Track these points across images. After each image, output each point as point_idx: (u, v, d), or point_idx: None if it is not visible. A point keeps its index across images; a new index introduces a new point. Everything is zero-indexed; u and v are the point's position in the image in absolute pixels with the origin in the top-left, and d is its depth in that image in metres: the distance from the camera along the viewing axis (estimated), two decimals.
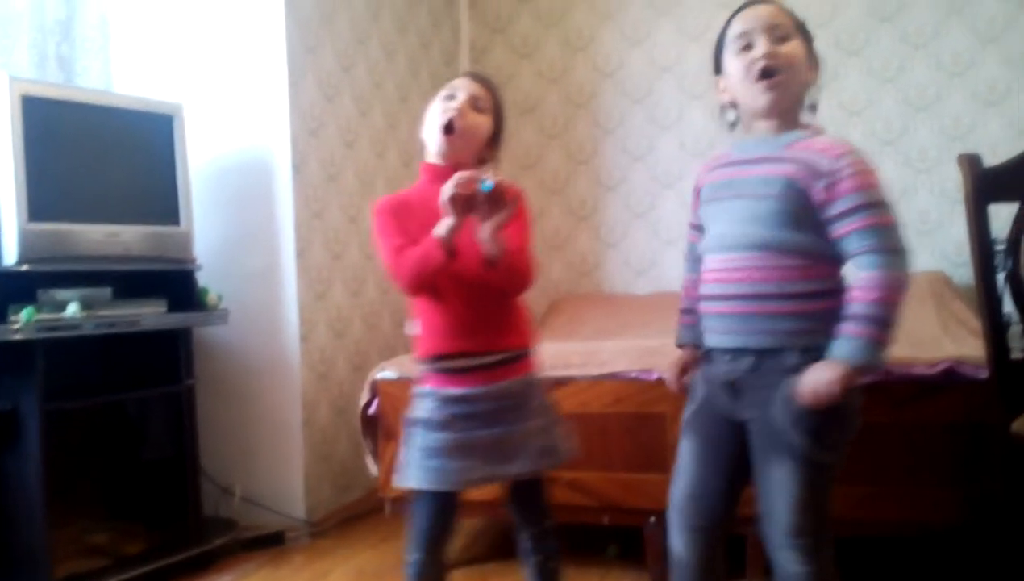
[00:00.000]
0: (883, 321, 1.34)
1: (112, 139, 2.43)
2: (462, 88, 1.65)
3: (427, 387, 1.63)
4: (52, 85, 2.49)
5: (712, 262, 1.49)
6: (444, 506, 1.62)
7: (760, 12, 1.46)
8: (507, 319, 1.64)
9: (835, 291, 1.40)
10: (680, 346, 1.64)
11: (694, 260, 1.59)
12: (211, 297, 2.59)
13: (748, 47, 1.44)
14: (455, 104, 1.62)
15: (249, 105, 2.84)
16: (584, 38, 3.82)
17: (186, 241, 2.56)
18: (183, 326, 2.56)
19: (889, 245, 1.37)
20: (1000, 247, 1.84)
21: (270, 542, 2.70)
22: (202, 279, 2.61)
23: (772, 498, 1.42)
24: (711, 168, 1.55)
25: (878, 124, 3.44)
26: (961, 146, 3.10)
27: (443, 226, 1.49)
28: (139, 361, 2.56)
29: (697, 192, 1.58)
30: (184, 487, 2.58)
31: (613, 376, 2.24)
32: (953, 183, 3.28)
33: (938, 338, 2.51)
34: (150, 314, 2.43)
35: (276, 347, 2.85)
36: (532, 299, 4.28)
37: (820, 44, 3.70)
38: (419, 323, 1.65)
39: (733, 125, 1.54)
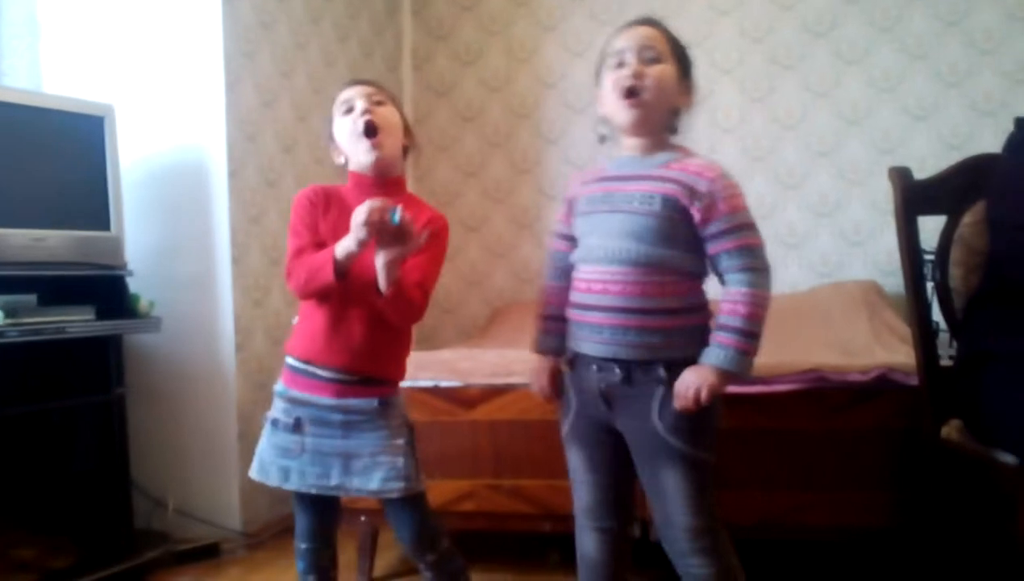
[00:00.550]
0: (752, 334, 1.43)
1: (39, 140, 2.34)
2: (356, 96, 1.65)
3: (281, 385, 1.67)
4: None
5: (586, 273, 1.52)
6: (303, 503, 1.68)
7: (638, 32, 1.51)
8: (384, 347, 1.63)
9: (700, 307, 1.50)
10: (541, 353, 1.67)
11: (558, 268, 1.64)
12: (142, 304, 2.52)
13: (620, 64, 1.49)
14: (360, 109, 1.62)
15: (184, 108, 2.78)
16: (527, 49, 3.84)
17: (116, 246, 2.48)
18: (112, 333, 2.48)
19: (759, 265, 1.46)
20: (929, 258, 1.90)
21: (205, 554, 2.63)
22: (133, 285, 2.53)
23: (666, 504, 1.47)
24: (586, 181, 1.59)
25: (812, 138, 3.53)
26: (891, 160, 3.19)
27: (342, 248, 1.48)
28: (67, 369, 2.47)
29: (569, 203, 1.61)
30: (114, 499, 2.50)
31: None
32: (884, 195, 3.37)
33: (870, 346, 2.57)
34: (77, 321, 2.34)
35: (211, 356, 2.78)
36: (475, 307, 4.27)
37: (756, 59, 3.79)
38: (299, 318, 1.67)
39: (603, 139, 1.59)
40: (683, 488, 1.45)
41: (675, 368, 1.45)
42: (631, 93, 1.47)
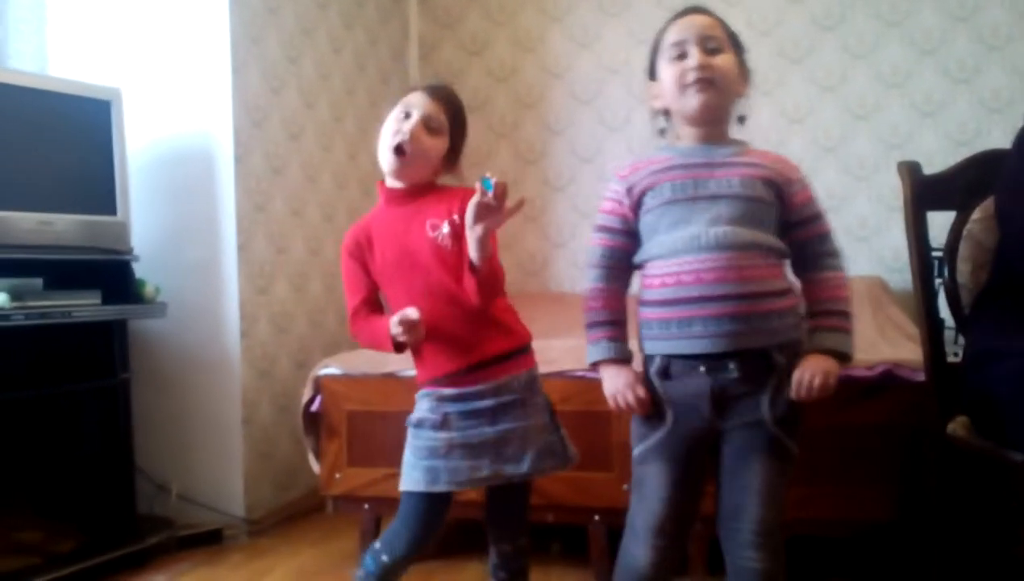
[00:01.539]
0: (851, 315, 1.46)
1: (46, 124, 2.34)
2: (417, 106, 1.60)
3: (425, 388, 1.61)
4: None
5: (689, 263, 1.40)
6: (434, 508, 1.57)
7: (695, 22, 1.48)
8: (489, 326, 1.58)
9: (791, 288, 1.47)
10: (620, 362, 1.51)
11: (614, 268, 1.52)
12: (148, 289, 2.52)
13: (682, 56, 1.46)
14: (408, 126, 1.57)
15: (190, 93, 2.77)
16: (533, 38, 3.82)
17: (122, 231, 2.48)
18: (118, 318, 2.49)
19: (839, 249, 1.50)
20: (936, 254, 1.89)
21: (207, 540, 2.64)
22: (139, 271, 2.53)
23: (745, 495, 1.43)
24: (654, 170, 1.48)
25: (819, 132, 3.52)
26: (899, 155, 3.18)
27: (395, 331, 1.50)
28: (72, 353, 2.47)
29: (635, 194, 1.48)
30: (118, 484, 2.51)
31: (560, 375, 2.24)
32: (890, 190, 3.38)
33: (875, 341, 2.57)
34: (83, 305, 2.35)
35: (216, 342, 2.78)
36: None
37: (764, 52, 3.78)
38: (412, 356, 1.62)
39: (662, 132, 1.56)
40: (769, 479, 1.42)
41: (788, 352, 1.42)
42: (702, 84, 1.43)
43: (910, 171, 1.84)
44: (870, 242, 3.47)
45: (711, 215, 1.42)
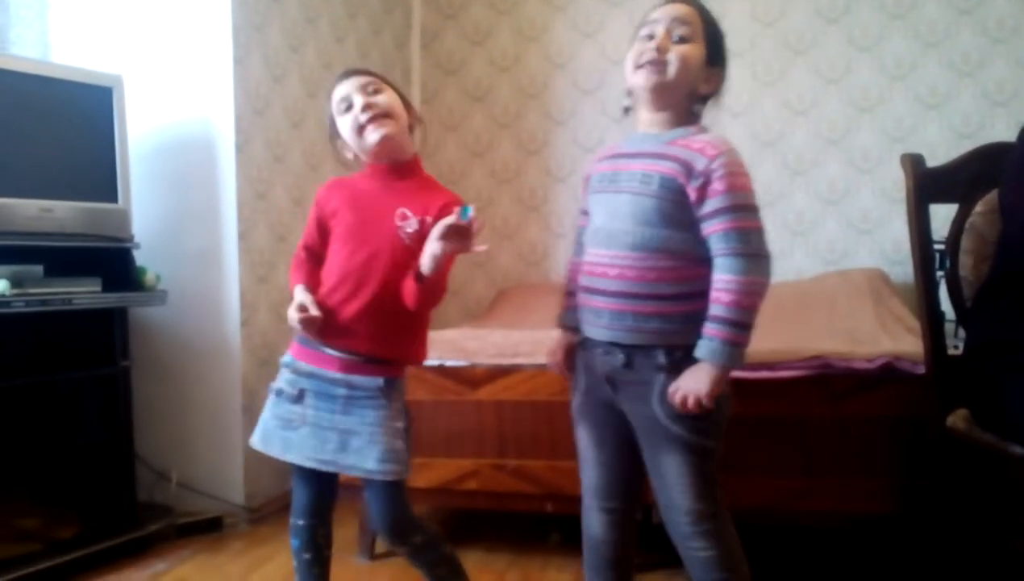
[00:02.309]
0: (738, 323, 1.38)
1: (48, 111, 2.33)
2: (352, 91, 1.63)
3: (288, 356, 1.67)
4: None
5: (591, 255, 1.51)
6: (302, 475, 1.66)
7: (673, 9, 1.48)
8: (398, 332, 1.62)
9: (703, 293, 1.42)
10: (562, 328, 1.65)
11: (580, 244, 1.62)
12: (149, 277, 2.52)
13: (650, 36, 1.47)
14: (359, 107, 1.61)
15: (192, 80, 2.76)
16: (536, 28, 3.81)
17: (123, 218, 2.48)
18: (119, 306, 2.48)
19: (749, 249, 1.39)
20: (938, 247, 1.89)
21: (208, 528, 2.65)
22: (140, 258, 2.52)
23: (669, 489, 1.47)
24: (601, 157, 1.58)
25: (823, 124, 3.51)
26: (902, 147, 3.18)
27: (292, 315, 1.59)
28: (72, 341, 2.47)
29: (586, 180, 1.60)
30: (118, 472, 2.51)
31: None
32: (893, 183, 3.37)
33: (876, 334, 2.57)
34: (84, 293, 2.34)
35: (216, 330, 2.78)
36: (480, 288, 4.27)
37: (768, 43, 3.76)
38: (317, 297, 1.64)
39: (626, 111, 1.57)
40: (685, 473, 1.45)
41: (675, 354, 1.43)
42: (654, 65, 1.44)
43: (913, 163, 1.83)
44: (872, 234, 3.47)
45: (610, 209, 1.48)
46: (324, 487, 1.69)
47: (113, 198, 2.44)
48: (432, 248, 1.50)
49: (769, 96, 3.55)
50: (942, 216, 1.85)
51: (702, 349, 1.40)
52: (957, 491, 1.76)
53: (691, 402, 1.40)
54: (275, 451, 1.63)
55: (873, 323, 2.73)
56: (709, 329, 1.39)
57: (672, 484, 1.46)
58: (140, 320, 2.74)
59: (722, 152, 1.40)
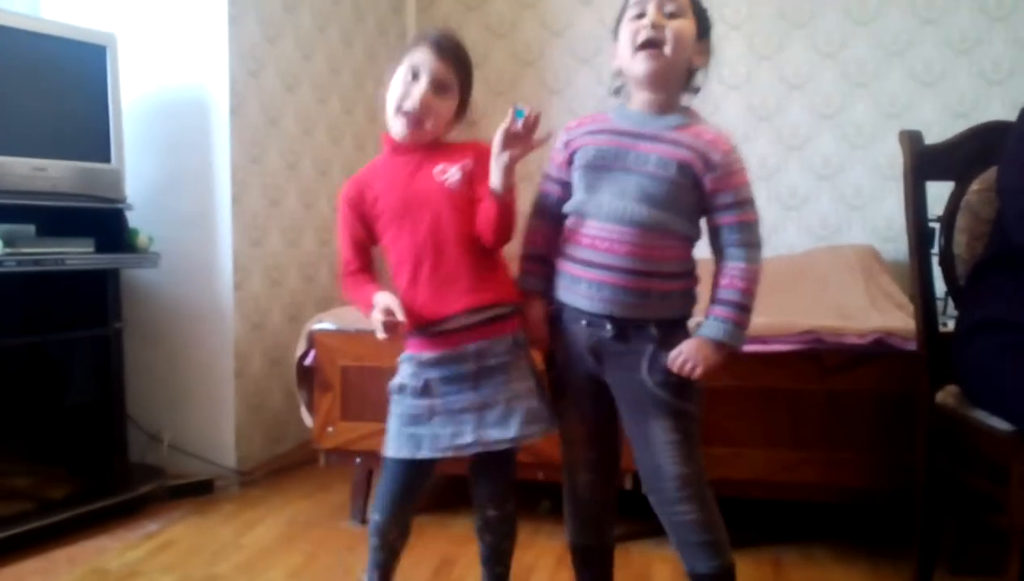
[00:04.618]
0: (748, 308, 1.47)
1: (40, 68, 2.30)
2: (425, 67, 1.55)
3: (407, 352, 1.59)
4: None
5: (592, 229, 1.48)
6: (414, 472, 1.58)
7: None
8: (491, 272, 1.56)
9: (692, 271, 1.51)
10: (527, 292, 1.59)
11: (547, 210, 1.59)
12: (141, 239, 2.50)
13: (641, 16, 1.46)
14: (418, 93, 1.54)
15: (186, 40, 2.73)
16: None
17: (116, 179, 2.46)
18: (111, 267, 2.48)
19: (756, 241, 1.48)
20: (932, 224, 1.90)
21: (198, 490, 2.66)
22: (132, 220, 2.51)
23: (655, 454, 1.49)
24: (590, 130, 1.54)
25: (818, 98, 3.50)
26: (897, 124, 3.17)
27: (376, 318, 1.47)
28: (65, 302, 2.46)
29: (570, 150, 1.55)
30: (110, 432, 2.52)
31: None
32: (887, 160, 3.38)
33: (866, 310, 2.59)
34: (77, 253, 2.33)
35: (208, 294, 2.77)
36: None
37: (764, 15, 3.73)
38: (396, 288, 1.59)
39: (617, 91, 1.57)
40: (671, 438, 1.47)
41: (665, 326, 1.47)
42: (650, 44, 1.44)
43: (911, 140, 1.84)
44: (864, 211, 3.48)
45: (620, 188, 1.47)
46: (422, 477, 1.61)
47: (106, 158, 2.42)
48: (497, 162, 1.47)
49: (766, 69, 3.53)
50: (934, 194, 1.87)
51: (713, 329, 1.45)
52: (945, 467, 1.79)
53: (692, 370, 1.44)
54: (406, 452, 1.54)
55: (863, 299, 2.75)
56: (723, 311, 1.46)
57: (659, 450, 1.48)
58: (133, 282, 2.73)
59: (733, 147, 1.48)
